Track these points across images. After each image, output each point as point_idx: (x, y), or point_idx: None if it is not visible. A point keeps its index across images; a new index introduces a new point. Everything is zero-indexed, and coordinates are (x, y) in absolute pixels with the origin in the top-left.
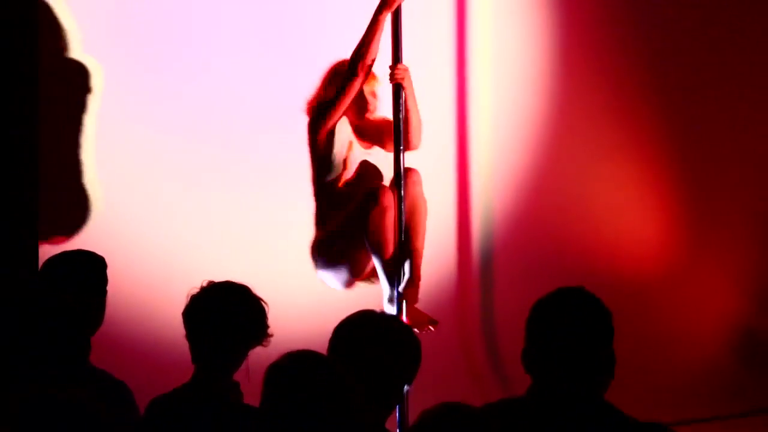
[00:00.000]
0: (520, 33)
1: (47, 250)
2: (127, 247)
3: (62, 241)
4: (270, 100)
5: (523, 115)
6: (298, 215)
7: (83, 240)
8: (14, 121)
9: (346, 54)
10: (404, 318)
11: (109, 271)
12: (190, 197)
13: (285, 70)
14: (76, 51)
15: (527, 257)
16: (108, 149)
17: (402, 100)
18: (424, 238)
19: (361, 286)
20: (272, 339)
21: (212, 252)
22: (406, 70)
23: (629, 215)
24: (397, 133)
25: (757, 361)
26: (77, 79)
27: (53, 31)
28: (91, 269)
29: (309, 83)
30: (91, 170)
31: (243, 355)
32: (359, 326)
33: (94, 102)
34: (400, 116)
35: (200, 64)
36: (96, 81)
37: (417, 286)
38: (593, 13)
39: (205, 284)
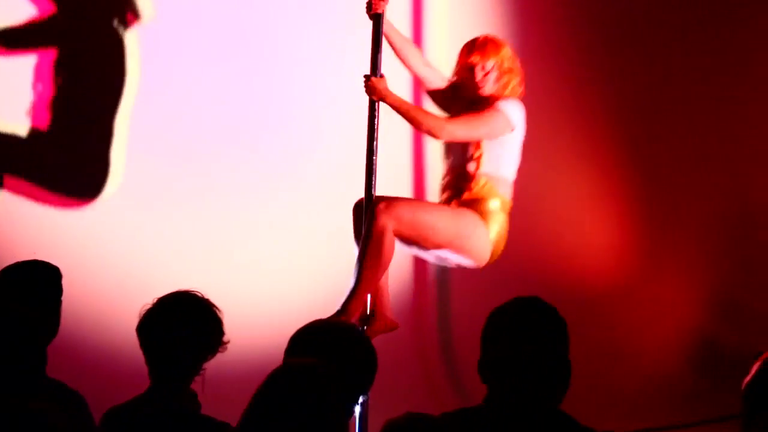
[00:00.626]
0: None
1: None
2: (84, 257)
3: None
4: (250, 111)
5: None
6: (256, 224)
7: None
8: None
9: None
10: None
11: (65, 281)
12: (146, 208)
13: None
14: None
15: (482, 269)
16: None
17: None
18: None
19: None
20: (228, 345)
21: (170, 262)
22: (381, 79)
23: (587, 226)
24: (370, 144)
25: (713, 370)
26: None
27: None
28: (46, 279)
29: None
30: None
31: (199, 365)
32: (315, 334)
33: None
34: (375, 124)
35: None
36: None
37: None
38: (553, 28)
39: (158, 297)
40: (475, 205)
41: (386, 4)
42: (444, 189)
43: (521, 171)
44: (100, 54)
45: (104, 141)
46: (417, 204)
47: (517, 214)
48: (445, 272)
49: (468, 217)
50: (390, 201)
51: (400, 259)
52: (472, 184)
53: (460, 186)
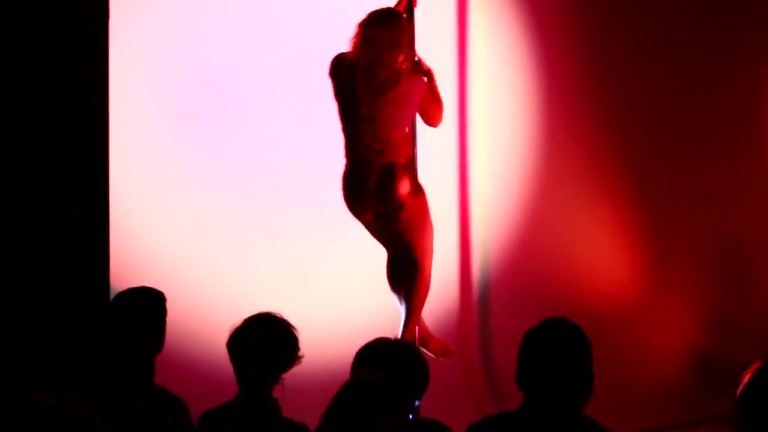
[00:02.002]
0: (514, 99)
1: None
2: (184, 281)
3: None
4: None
5: (515, 170)
6: (328, 250)
7: (146, 273)
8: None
9: None
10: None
11: (168, 304)
12: (234, 237)
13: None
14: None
15: (519, 291)
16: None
17: None
18: None
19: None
20: (303, 359)
21: (255, 284)
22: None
23: (603, 255)
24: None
25: (710, 378)
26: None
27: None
28: (153, 303)
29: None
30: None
31: (279, 375)
32: (378, 350)
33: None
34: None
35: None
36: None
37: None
38: (576, 79)
39: (244, 318)
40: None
41: None
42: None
43: (550, 210)
44: None
45: None
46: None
47: (548, 246)
48: (487, 296)
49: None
50: (427, 244)
51: (447, 283)
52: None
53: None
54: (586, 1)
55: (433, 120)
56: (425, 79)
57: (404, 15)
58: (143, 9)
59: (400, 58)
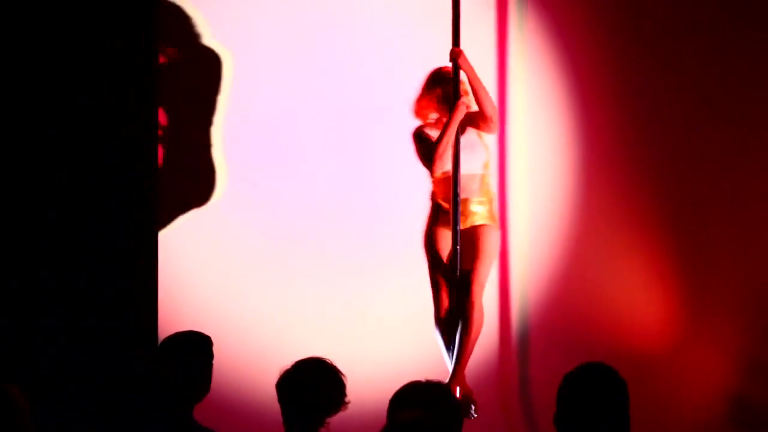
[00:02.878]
0: (552, 144)
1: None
2: (231, 325)
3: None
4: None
5: (554, 215)
6: (377, 297)
7: (194, 316)
8: (134, 109)
9: None
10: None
11: (216, 348)
12: (281, 281)
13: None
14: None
15: (557, 336)
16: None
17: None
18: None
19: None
20: (350, 404)
21: (301, 329)
22: (461, 50)
23: (639, 301)
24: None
25: (747, 423)
26: (198, 69)
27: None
28: (200, 346)
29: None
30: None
31: (325, 418)
32: (411, 393)
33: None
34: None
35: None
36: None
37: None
38: (615, 125)
39: (294, 362)
40: (487, 205)
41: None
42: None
43: (587, 255)
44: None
45: None
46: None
47: (586, 292)
48: (526, 340)
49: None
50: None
51: (486, 328)
52: (481, 187)
53: (471, 188)
54: (622, 38)
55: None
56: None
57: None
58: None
59: None
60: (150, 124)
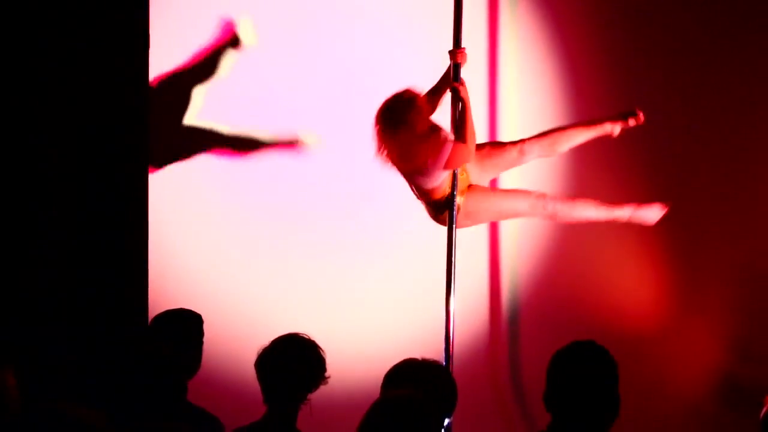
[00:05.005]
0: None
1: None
2: (221, 303)
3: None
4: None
5: None
6: (368, 274)
7: (184, 295)
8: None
9: None
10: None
11: (205, 326)
12: (269, 260)
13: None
14: None
15: (547, 315)
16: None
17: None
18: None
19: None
20: (334, 379)
21: (290, 306)
22: (464, 50)
23: (631, 279)
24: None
25: (736, 402)
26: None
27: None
28: (190, 324)
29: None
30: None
31: (305, 395)
32: (406, 370)
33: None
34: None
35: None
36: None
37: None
38: (605, 109)
39: (272, 339)
40: None
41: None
42: None
43: (578, 235)
44: None
45: None
46: None
47: (576, 273)
48: (516, 319)
49: None
50: None
51: (477, 306)
52: None
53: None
54: (615, 26)
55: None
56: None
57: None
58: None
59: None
60: (142, 120)
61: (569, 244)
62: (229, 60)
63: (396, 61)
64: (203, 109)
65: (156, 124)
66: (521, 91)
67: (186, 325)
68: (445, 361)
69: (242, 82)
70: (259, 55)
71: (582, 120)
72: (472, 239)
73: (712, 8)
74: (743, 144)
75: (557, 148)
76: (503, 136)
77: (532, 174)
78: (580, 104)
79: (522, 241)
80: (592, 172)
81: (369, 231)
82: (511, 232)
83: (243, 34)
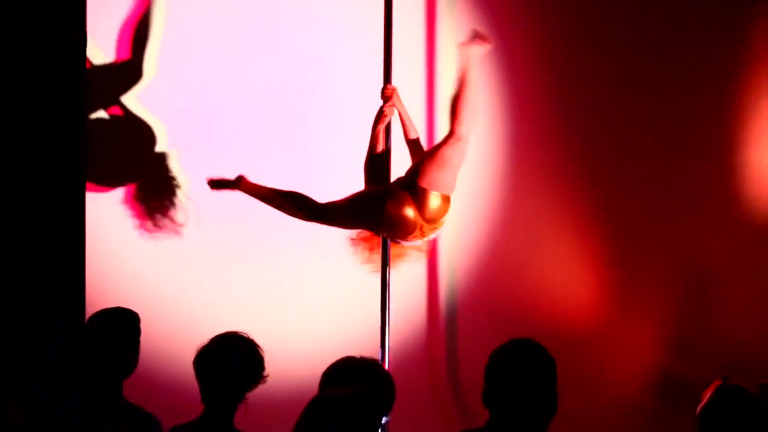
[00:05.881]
0: (482, 130)
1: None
2: (159, 302)
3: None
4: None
5: (483, 196)
6: (299, 275)
7: (122, 294)
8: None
9: None
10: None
11: (143, 324)
12: (207, 259)
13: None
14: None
15: (485, 314)
16: None
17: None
18: None
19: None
20: (269, 378)
21: (226, 306)
22: (394, 89)
23: (569, 278)
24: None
25: (672, 397)
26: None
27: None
28: (127, 323)
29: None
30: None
31: (243, 394)
32: (344, 368)
33: None
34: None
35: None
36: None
37: None
38: (545, 108)
39: (210, 338)
40: None
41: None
42: None
43: (518, 231)
44: None
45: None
46: None
47: (514, 271)
48: (453, 317)
49: None
50: None
51: (415, 305)
52: None
53: None
54: (554, 17)
55: None
56: None
57: None
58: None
59: None
60: (79, 117)
61: (507, 243)
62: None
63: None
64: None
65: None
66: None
67: (123, 323)
68: (382, 360)
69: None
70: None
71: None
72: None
73: (650, 14)
74: (682, 149)
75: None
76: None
77: (472, 176)
78: (519, 103)
79: (460, 240)
80: (532, 177)
81: (306, 233)
82: (450, 231)
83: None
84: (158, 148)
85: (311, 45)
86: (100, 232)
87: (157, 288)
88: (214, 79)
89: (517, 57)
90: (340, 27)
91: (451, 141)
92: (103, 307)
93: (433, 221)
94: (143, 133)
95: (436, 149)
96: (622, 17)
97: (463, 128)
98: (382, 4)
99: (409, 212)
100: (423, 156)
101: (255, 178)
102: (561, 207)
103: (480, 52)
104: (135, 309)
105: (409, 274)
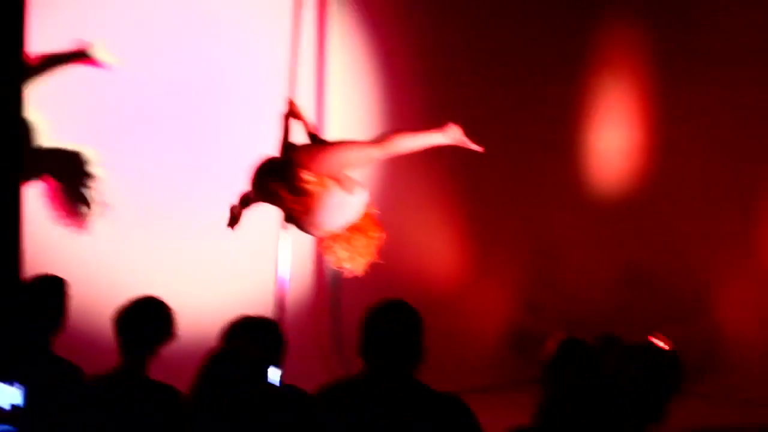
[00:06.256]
0: (363, 114)
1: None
2: (85, 267)
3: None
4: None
5: (364, 174)
6: (212, 243)
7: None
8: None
9: None
10: None
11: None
12: (127, 233)
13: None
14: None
15: (365, 276)
16: None
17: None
18: None
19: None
20: (178, 335)
21: (142, 272)
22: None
23: (436, 246)
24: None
25: (522, 348)
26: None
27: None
28: (56, 288)
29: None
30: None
31: (156, 349)
32: (240, 326)
33: None
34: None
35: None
36: None
37: None
38: (417, 99)
39: (128, 300)
40: None
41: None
42: None
43: (393, 205)
44: None
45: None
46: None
47: (389, 241)
48: (337, 278)
49: None
50: None
51: (303, 269)
52: None
53: None
54: (422, 20)
55: None
56: None
57: None
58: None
59: None
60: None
61: (386, 216)
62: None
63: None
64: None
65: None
66: (346, 87)
67: (52, 288)
68: (274, 318)
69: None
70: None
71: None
72: None
73: (507, 11)
74: (533, 135)
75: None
76: (330, 131)
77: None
78: (396, 95)
79: None
80: (406, 159)
81: (211, 206)
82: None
83: (100, 54)
84: (67, 145)
85: (218, 48)
86: (34, 202)
87: (89, 257)
88: (124, 77)
89: (391, 44)
90: (245, 34)
91: (371, 147)
92: (36, 274)
93: (300, 197)
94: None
95: (354, 142)
96: (483, 14)
97: (384, 150)
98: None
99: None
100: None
101: (159, 170)
102: (431, 185)
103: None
104: (66, 274)
105: (298, 243)
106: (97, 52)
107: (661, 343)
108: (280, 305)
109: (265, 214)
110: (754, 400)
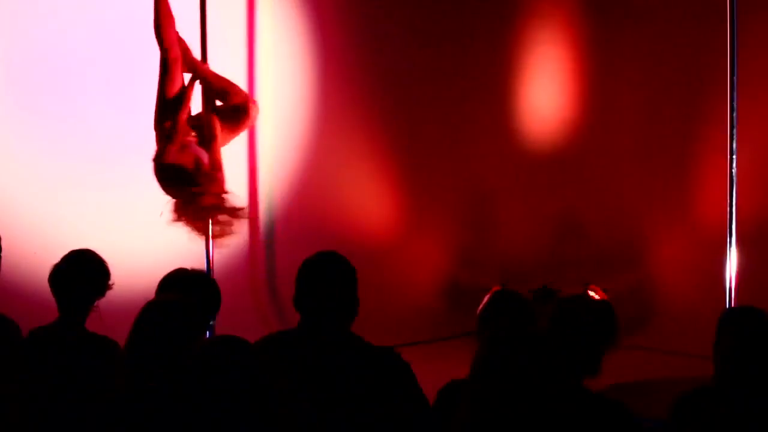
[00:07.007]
0: (296, 68)
1: None
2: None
3: None
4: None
5: (298, 129)
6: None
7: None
8: None
9: None
10: None
11: (5, 243)
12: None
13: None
14: None
15: (299, 229)
16: None
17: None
18: None
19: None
20: (114, 286)
21: (77, 227)
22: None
23: (371, 200)
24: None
25: (458, 300)
26: None
27: None
28: None
29: None
30: None
31: (93, 301)
32: (176, 278)
33: None
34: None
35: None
36: None
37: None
38: (351, 60)
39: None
40: None
41: None
42: None
43: (326, 160)
44: None
45: None
46: None
47: (324, 192)
48: (272, 231)
49: None
50: None
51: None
52: None
53: None
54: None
55: None
56: None
57: None
58: None
59: None
60: None
61: (320, 170)
62: None
63: None
64: None
65: None
66: (277, 59)
67: None
68: (208, 270)
69: None
70: None
71: None
72: (233, 166)
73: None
74: (467, 91)
75: None
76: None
77: (289, 111)
78: (328, 49)
79: (277, 167)
80: (340, 113)
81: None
82: (267, 158)
83: None
84: None
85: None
86: None
87: (22, 212)
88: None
89: (322, 9)
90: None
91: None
92: None
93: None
94: None
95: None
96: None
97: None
98: None
99: None
100: None
101: (87, 121)
102: (364, 139)
103: None
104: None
105: (233, 196)
106: None
107: (596, 295)
108: (214, 257)
109: None
110: (688, 352)
